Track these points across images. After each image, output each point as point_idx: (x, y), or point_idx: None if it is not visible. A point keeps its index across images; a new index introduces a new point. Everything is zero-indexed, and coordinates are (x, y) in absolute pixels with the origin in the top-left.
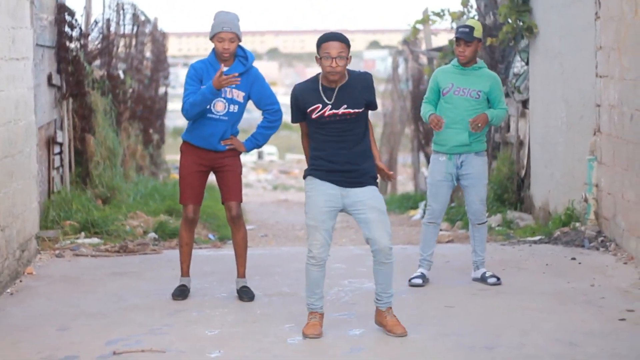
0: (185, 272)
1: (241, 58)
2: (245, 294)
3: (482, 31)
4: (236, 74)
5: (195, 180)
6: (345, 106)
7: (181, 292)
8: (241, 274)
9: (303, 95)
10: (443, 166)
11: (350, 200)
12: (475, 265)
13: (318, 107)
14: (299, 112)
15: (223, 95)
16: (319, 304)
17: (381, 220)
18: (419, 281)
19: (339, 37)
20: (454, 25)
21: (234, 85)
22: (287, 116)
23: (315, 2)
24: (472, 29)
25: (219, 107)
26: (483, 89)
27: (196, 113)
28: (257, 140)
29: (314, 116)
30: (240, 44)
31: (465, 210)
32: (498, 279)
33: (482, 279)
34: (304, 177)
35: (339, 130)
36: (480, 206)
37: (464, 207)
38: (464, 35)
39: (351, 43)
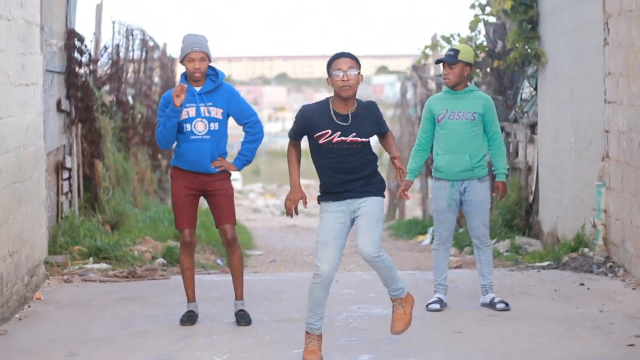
0: (191, 298)
1: (212, 77)
2: (242, 318)
3: (474, 55)
4: (184, 85)
5: (187, 204)
6: (355, 134)
7: (189, 318)
8: (239, 296)
9: (312, 118)
10: (446, 193)
11: (354, 208)
12: (484, 289)
13: (327, 132)
14: (302, 132)
15: (203, 115)
16: (319, 324)
17: (368, 227)
18: (437, 306)
19: (348, 54)
20: None
21: (211, 103)
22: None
23: (324, 28)
24: (457, 52)
25: (200, 127)
26: (477, 110)
27: (167, 137)
28: (245, 157)
29: (321, 141)
30: (211, 64)
31: (470, 236)
32: (507, 304)
33: (491, 305)
34: (319, 202)
35: (344, 158)
36: (484, 230)
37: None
38: (447, 58)
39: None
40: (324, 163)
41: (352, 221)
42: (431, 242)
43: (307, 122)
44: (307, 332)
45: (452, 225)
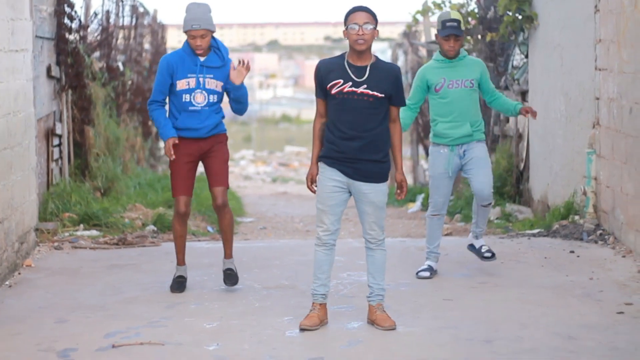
0: (181, 261)
1: (215, 49)
2: (228, 278)
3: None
4: (176, 140)
5: (185, 171)
6: (365, 86)
7: (179, 285)
8: (228, 254)
9: (327, 70)
10: (445, 158)
11: (354, 190)
12: (475, 234)
13: (339, 82)
14: (321, 87)
15: (202, 86)
16: (321, 291)
17: (374, 214)
18: (427, 274)
19: (365, 8)
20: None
21: (212, 75)
22: (287, 108)
23: None
24: (459, 22)
25: (199, 98)
26: (475, 76)
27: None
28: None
29: (333, 91)
30: (214, 35)
31: (473, 193)
32: (493, 254)
33: (478, 251)
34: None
35: (354, 112)
36: (487, 190)
37: (463, 199)
38: (455, 31)
39: None
40: (333, 114)
41: (349, 193)
42: (422, 210)
43: (322, 74)
44: (313, 302)
45: (448, 191)
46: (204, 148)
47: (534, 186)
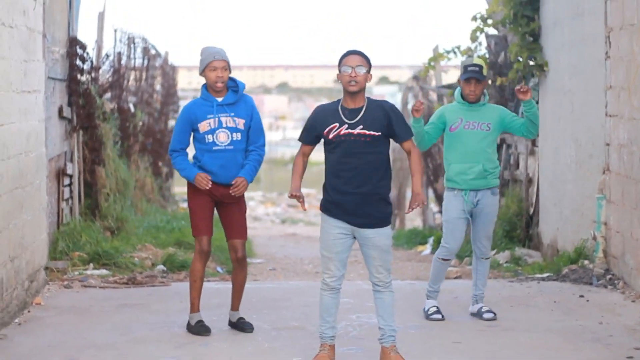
0: (196, 307)
1: (232, 88)
2: (247, 326)
3: (489, 68)
4: (209, 183)
5: (207, 211)
6: (362, 127)
7: (205, 328)
8: (236, 307)
9: (324, 115)
10: (460, 202)
11: (358, 235)
12: (475, 299)
13: (335, 126)
14: (313, 132)
15: (225, 125)
16: (329, 333)
17: (380, 258)
18: (439, 316)
19: (358, 52)
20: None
21: (232, 113)
22: (296, 150)
23: (325, 37)
24: (481, 67)
25: (222, 137)
26: (492, 121)
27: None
28: (253, 170)
29: (330, 136)
30: (231, 75)
31: (472, 242)
32: (494, 314)
33: (479, 314)
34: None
35: (354, 155)
36: (487, 242)
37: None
38: (477, 75)
39: None
40: (332, 160)
41: (354, 238)
42: (432, 252)
43: (318, 118)
44: (321, 343)
45: (461, 237)
46: (224, 195)
47: (543, 230)
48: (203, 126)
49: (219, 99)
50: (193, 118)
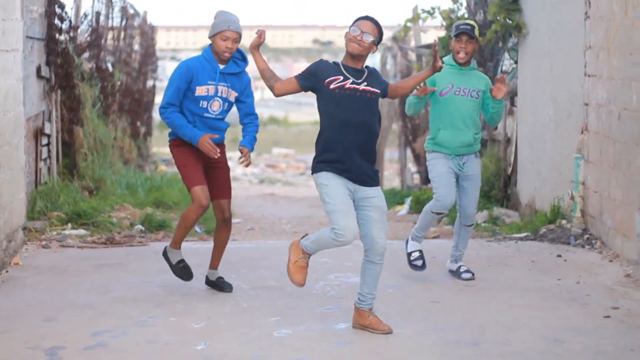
0: (179, 245)
1: (236, 59)
2: (226, 285)
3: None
4: (218, 151)
5: (199, 163)
6: (366, 84)
7: (186, 271)
8: (216, 266)
9: (327, 67)
10: (449, 162)
11: (359, 196)
12: (454, 258)
13: (339, 78)
14: (311, 78)
15: (220, 94)
16: (314, 252)
17: (381, 221)
18: (420, 262)
19: (373, 20)
20: (444, 22)
21: (229, 84)
22: (274, 110)
23: None
24: (473, 27)
25: (215, 106)
26: (481, 88)
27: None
28: (252, 143)
29: (332, 86)
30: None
31: (456, 209)
32: (472, 274)
33: (457, 273)
34: (313, 173)
35: (356, 111)
36: (474, 209)
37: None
38: (468, 30)
39: (339, 39)
40: (334, 114)
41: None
42: (410, 212)
43: (320, 69)
44: (302, 250)
45: (454, 189)
46: (205, 156)
47: (521, 190)
48: (200, 90)
49: (221, 66)
50: (191, 77)
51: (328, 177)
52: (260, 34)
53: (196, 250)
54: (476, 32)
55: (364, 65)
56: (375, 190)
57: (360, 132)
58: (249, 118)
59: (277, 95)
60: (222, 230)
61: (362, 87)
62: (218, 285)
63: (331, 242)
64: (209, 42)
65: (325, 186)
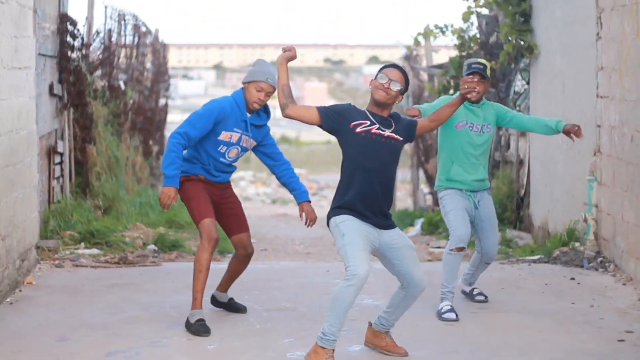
0: (200, 304)
1: (260, 111)
2: (241, 307)
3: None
4: (168, 208)
5: (207, 197)
6: (391, 130)
7: (205, 328)
8: (225, 290)
9: (355, 111)
10: (462, 198)
11: (385, 239)
12: (468, 282)
13: (366, 122)
14: (337, 117)
15: (241, 144)
16: (338, 336)
17: (413, 256)
18: (453, 315)
19: (401, 69)
20: (456, 42)
21: (251, 135)
22: (286, 130)
23: (316, 16)
24: (485, 66)
25: (233, 153)
26: (491, 122)
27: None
28: (306, 190)
29: (358, 130)
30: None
31: (478, 248)
32: (486, 297)
33: (470, 295)
34: (330, 218)
35: (380, 156)
36: (495, 251)
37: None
38: (481, 70)
39: (351, 58)
40: (355, 158)
41: (375, 249)
42: (421, 234)
43: (348, 111)
44: (321, 347)
45: (469, 223)
46: (221, 193)
47: (534, 212)
48: (225, 135)
49: (248, 115)
50: (222, 120)
51: (347, 217)
52: (292, 49)
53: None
54: (488, 72)
55: (390, 114)
56: (398, 231)
57: (382, 178)
58: (284, 166)
59: (285, 116)
60: (242, 263)
61: (387, 133)
62: (232, 307)
63: (345, 289)
64: (220, 60)
65: (342, 222)
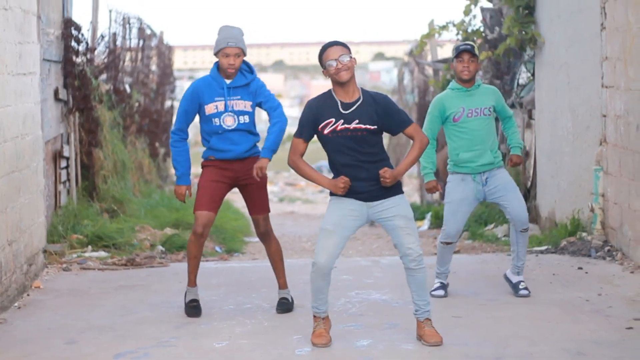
0: (192, 282)
1: (245, 72)
2: (279, 306)
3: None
4: (184, 201)
5: (212, 189)
6: (357, 121)
7: (195, 310)
8: (281, 284)
9: (319, 108)
10: (467, 186)
11: (375, 210)
12: (517, 270)
13: (331, 121)
14: (311, 126)
15: (231, 109)
16: (324, 308)
17: (408, 227)
18: (441, 292)
19: (335, 43)
20: (459, 36)
21: (239, 97)
22: (293, 128)
23: (320, 14)
24: (473, 46)
25: (229, 121)
26: (491, 104)
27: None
28: (272, 147)
29: (326, 131)
30: (245, 58)
31: (508, 219)
32: (529, 292)
33: (514, 286)
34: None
35: (351, 151)
36: (524, 213)
37: (470, 218)
38: (469, 49)
39: (356, 55)
40: (330, 155)
41: (368, 221)
42: (430, 228)
43: (315, 112)
44: (314, 316)
45: (463, 220)
46: (239, 172)
47: (541, 203)
48: (209, 108)
49: (228, 81)
50: (199, 97)
51: (333, 202)
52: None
53: (216, 270)
54: (476, 50)
55: (360, 94)
56: (394, 199)
57: (362, 167)
58: (273, 114)
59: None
60: (266, 243)
61: (353, 125)
62: (278, 305)
63: (311, 275)
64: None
65: (328, 207)
